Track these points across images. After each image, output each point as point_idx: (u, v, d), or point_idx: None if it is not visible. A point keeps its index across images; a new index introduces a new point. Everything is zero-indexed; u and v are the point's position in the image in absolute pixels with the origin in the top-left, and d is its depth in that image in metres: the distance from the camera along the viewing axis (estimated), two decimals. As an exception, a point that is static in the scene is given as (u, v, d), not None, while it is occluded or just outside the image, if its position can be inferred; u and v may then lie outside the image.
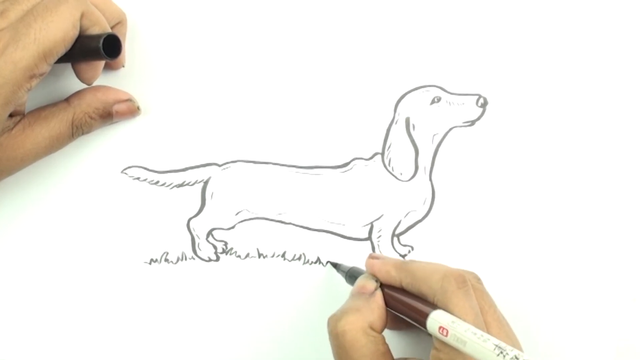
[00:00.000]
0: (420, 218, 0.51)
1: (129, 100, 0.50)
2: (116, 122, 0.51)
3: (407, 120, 0.51)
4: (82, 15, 0.45)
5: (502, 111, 0.51)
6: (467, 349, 0.38)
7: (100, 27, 0.46)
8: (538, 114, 0.51)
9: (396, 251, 0.50)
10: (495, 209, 0.50)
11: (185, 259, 0.51)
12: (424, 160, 0.51)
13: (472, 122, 0.51)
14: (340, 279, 0.50)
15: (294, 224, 0.51)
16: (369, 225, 0.51)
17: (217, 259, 0.51)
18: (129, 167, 0.51)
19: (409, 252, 0.50)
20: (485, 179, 0.51)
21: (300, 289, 0.50)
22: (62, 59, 0.45)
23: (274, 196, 0.51)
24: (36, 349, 0.50)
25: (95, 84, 0.49)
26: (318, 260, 0.50)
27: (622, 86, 0.51)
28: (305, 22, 0.52)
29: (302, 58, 0.52)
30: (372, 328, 0.42)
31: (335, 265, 0.50)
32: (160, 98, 0.52)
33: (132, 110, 0.51)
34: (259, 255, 0.51)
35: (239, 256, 0.51)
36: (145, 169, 0.51)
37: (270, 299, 0.50)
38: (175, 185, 0.51)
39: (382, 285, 0.44)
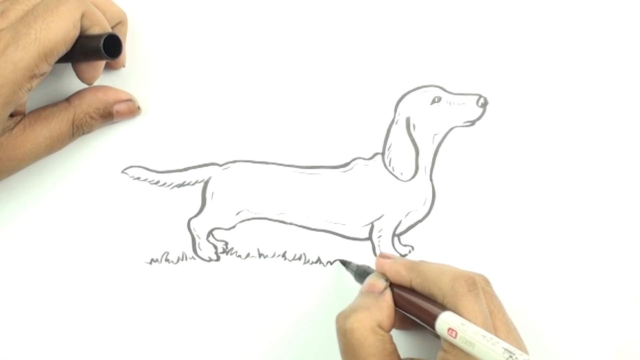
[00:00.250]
0: (420, 218, 0.51)
1: (130, 100, 0.50)
2: (116, 122, 0.51)
3: (408, 120, 0.51)
4: (82, 15, 0.45)
5: (502, 111, 0.51)
6: (476, 352, 0.38)
7: (100, 27, 0.46)
8: (538, 114, 0.51)
9: (396, 251, 0.50)
10: (496, 209, 0.50)
11: (186, 258, 0.51)
12: (425, 160, 0.51)
13: (473, 122, 0.51)
14: (341, 279, 0.50)
15: (294, 224, 0.51)
16: (370, 225, 0.51)
17: (218, 259, 0.51)
18: (129, 167, 0.51)
19: (410, 252, 0.50)
20: (485, 179, 0.51)
21: (301, 289, 0.50)
22: (62, 59, 0.45)
23: (275, 196, 0.51)
24: (36, 349, 0.50)
25: (95, 84, 0.49)
26: (318, 260, 0.50)
27: (622, 86, 0.51)
28: (305, 22, 0.52)
29: (302, 58, 0.52)
30: (380, 327, 0.42)
31: (344, 263, 0.50)
32: (160, 98, 0.52)
33: (132, 110, 0.51)
34: (260, 255, 0.51)
35: (240, 256, 0.51)
36: (145, 169, 0.51)
37: (271, 299, 0.50)
38: (176, 185, 0.51)
39: (392, 285, 0.45)
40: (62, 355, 0.50)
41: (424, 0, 0.52)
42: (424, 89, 0.51)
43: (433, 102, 0.51)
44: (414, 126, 0.51)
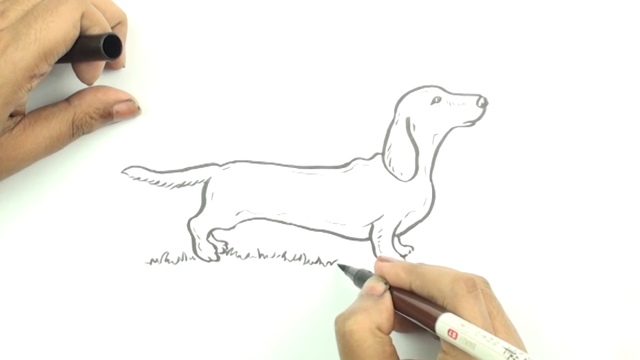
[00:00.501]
0: (420, 218, 0.51)
1: (130, 100, 0.50)
2: (116, 122, 0.51)
3: (408, 121, 0.51)
4: (82, 16, 0.45)
5: (502, 111, 0.51)
6: (477, 352, 0.38)
7: (100, 27, 0.46)
8: (538, 114, 0.51)
9: (396, 251, 0.50)
10: (496, 209, 0.50)
11: (186, 259, 0.51)
12: (425, 161, 0.51)
13: (473, 122, 0.51)
14: (341, 280, 0.50)
15: (294, 224, 0.51)
16: (370, 226, 0.51)
17: (218, 259, 0.51)
18: (129, 167, 0.51)
19: (410, 252, 0.50)
20: (485, 179, 0.51)
21: (301, 289, 0.50)
22: (62, 59, 0.45)
23: (275, 196, 0.51)
24: (36, 349, 0.50)
25: (95, 84, 0.49)
26: (318, 261, 0.50)
27: (622, 86, 0.51)
28: (305, 22, 0.52)
29: (303, 58, 0.52)
30: (379, 329, 0.42)
31: (343, 268, 0.50)
32: (160, 98, 0.52)
33: (132, 110, 0.51)
34: (260, 255, 0.51)
35: (240, 256, 0.51)
36: (145, 169, 0.51)
37: (271, 299, 0.50)
38: (176, 185, 0.51)
39: (391, 288, 0.45)
40: (62, 355, 0.50)
41: (424, 0, 0.52)
42: (424, 89, 0.51)
43: (433, 102, 0.51)
44: (414, 126, 0.51)
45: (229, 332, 0.50)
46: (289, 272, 0.50)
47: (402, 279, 0.44)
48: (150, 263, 0.51)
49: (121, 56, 0.47)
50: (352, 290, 0.49)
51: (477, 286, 0.42)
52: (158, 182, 0.51)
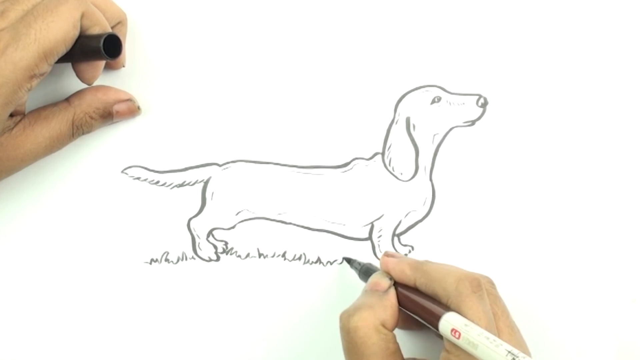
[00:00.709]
0: (420, 218, 0.51)
1: (129, 100, 0.50)
2: (116, 122, 0.51)
3: (408, 120, 0.51)
4: (82, 15, 0.45)
5: (502, 111, 0.51)
6: (479, 353, 0.38)
7: (100, 27, 0.46)
8: (538, 114, 0.51)
9: (396, 251, 0.50)
10: (496, 209, 0.50)
11: (186, 258, 0.51)
12: (424, 160, 0.51)
13: (473, 122, 0.51)
14: (341, 279, 0.50)
15: (294, 224, 0.51)
16: (370, 225, 0.51)
17: (218, 258, 0.51)
18: (129, 167, 0.51)
19: (409, 252, 0.50)
20: (485, 179, 0.51)
21: (301, 289, 0.50)
22: (62, 59, 0.45)
23: (275, 196, 0.51)
24: (36, 349, 0.50)
25: (95, 84, 0.49)
26: (318, 260, 0.50)
27: (622, 86, 0.51)
28: (305, 22, 0.52)
29: (302, 58, 0.52)
30: (383, 326, 0.42)
31: (349, 261, 0.50)
32: (160, 98, 0.52)
33: (132, 110, 0.51)
34: (260, 255, 0.51)
35: (240, 256, 0.51)
36: (145, 169, 0.51)
37: (271, 299, 0.50)
38: (176, 185, 0.51)
39: (396, 284, 0.44)
40: (62, 355, 0.50)
41: (424, 0, 0.52)
42: (424, 89, 0.51)
43: (433, 102, 0.51)
44: (414, 126, 0.51)
45: (229, 332, 0.50)
46: (289, 272, 0.50)
47: (407, 275, 0.44)
48: (150, 263, 0.51)
49: (121, 56, 0.47)
50: (353, 291, 0.49)
51: (482, 286, 0.41)
52: (158, 182, 0.51)
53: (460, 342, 0.39)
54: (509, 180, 0.51)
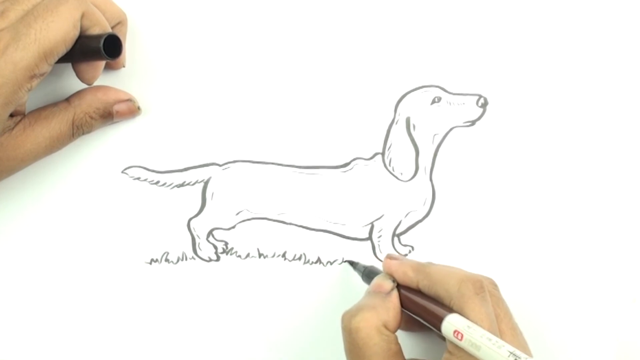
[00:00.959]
0: (420, 218, 0.51)
1: (130, 100, 0.50)
2: (116, 122, 0.51)
3: (408, 120, 0.51)
4: (82, 16, 0.45)
5: (502, 111, 0.51)
6: (481, 355, 0.38)
7: (100, 27, 0.46)
8: (538, 114, 0.51)
9: (396, 251, 0.50)
10: (496, 209, 0.50)
11: (186, 259, 0.51)
12: (425, 160, 0.51)
13: (473, 122, 0.51)
14: (341, 279, 0.50)
15: (294, 224, 0.51)
16: (370, 225, 0.51)
17: (218, 259, 0.51)
18: (129, 167, 0.51)
19: (409, 252, 0.50)
20: (485, 179, 0.51)
21: (301, 289, 0.50)
22: (62, 59, 0.45)
23: (275, 196, 0.51)
24: (36, 349, 0.50)
25: (95, 84, 0.49)
26: (318, 260, 0.50)
27: (622, 86, 0.51)
28: (305, 22, 0.52)
29: (302, 58, 0.52)
30: (386, 327, 0.42)
31: (352, 264, 0.50)
32: (160, 98, 0.52)
33: (132, 110, 0.51)
34: (260, 255, 0.51)
35: (240, 256, 0.51)
36: (145, 169, 0.51)
37: (271, 299, 0.50)
38: (176, 185, 0.51)
39: (399, 286, 0.45)
40: (62, 355, 0.50)
41: (424, 0, 0.52)
42: (424, 89, 0.51)
43: (433, 102, 0.51)
44: (414, 126, 0.51)
45: (229, 332, 0.50)
46: (289, 272, 0.50)
47: (410, 277, 0.44)
48: (150, 263, 0.51)
49: (121, 56, 0.47)
50: (353, 291, 0.49)
51: (484, 288, 0.41)
52: (158, 182, 0.51)
53: (463, 344, 0.39)
54: (509, 181, 0.51)
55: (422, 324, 0.43)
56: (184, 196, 0.51)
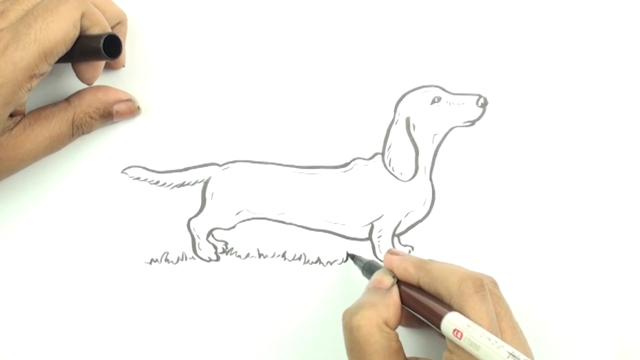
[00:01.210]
0: (420, 218, 0.51)
1: (129, 100, 0.50)
2: (116, 122, 0.51)
3: (408, 120, 0.51)
4: (82, 16, 0.45)
5: (502, 111, 0.51)
6: (480, 354, 0.38)
7: (100, 27, 0.46)
8: (538, 114, 0.51)
9: (396, 251, 0.50)
10: (496, 209, 0.50)
11: (186, 259, 0.51)
12: (424, 160, 0.51)
13: (473, 122, 0.51)
14: (341, 279, 0.50)
15: (294, 224, 0.51)
16: (370, 225, 0.51)
17: (218, 259, 0.51)
18: (129, 167, 0.51)
19: (409, 252, 0.50)
20: (485, 179, 0.51)
21: (301, 289, 0.50)
22: (62, 59, 0.45)
23: (275, 196, 0.51)
24: (36, 349, 0.50)
25: (95, 84, 0.49)
26: (318, 260, 0.50)
27: (622, 86, 0.51)
28: (305, 22, 0.52)
29: (302, 58, 0.52)
30: (386, 324, 0.42)
31: (352, 257, 0.50)
32: (160, 98, 0.52)
33: (132, 110, 0.51)
34: (259, 255, 0.51)
35: (239, 256, 0.51)
36: (145, 169, 0.51)
37: (271, 299, 0.50)
38: (176, 185, 0.51)
39: (399, 282, 0.44)
40: (62, 355, 0.50)
41: (424, 0, 0.52)
42: (424, 89, 0.51)
43: (433, 102, 0.51)
44: (413, 126, 0.51)
45: (229, 332, 0.50)
46: (289, 272, 0.50)
47: (411, 274, 0.44)
48: (150, 263, 0.51)
49: (121, 56, 0.47)
50: (353, 291, 0.49)
51: (484, 286, 0.41)
52: (158, 182, 0.51)
53: (462, 343, 0.39)
54: (509, 180, 0.51)
55: (423, 321, 0.42)
56: (184, 196, 0.51)
